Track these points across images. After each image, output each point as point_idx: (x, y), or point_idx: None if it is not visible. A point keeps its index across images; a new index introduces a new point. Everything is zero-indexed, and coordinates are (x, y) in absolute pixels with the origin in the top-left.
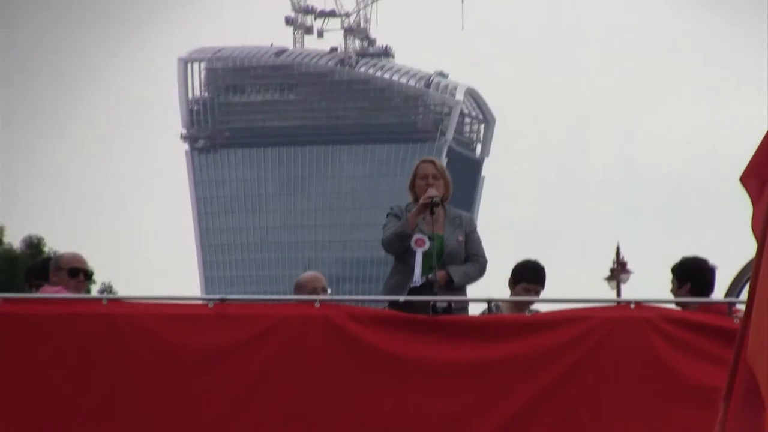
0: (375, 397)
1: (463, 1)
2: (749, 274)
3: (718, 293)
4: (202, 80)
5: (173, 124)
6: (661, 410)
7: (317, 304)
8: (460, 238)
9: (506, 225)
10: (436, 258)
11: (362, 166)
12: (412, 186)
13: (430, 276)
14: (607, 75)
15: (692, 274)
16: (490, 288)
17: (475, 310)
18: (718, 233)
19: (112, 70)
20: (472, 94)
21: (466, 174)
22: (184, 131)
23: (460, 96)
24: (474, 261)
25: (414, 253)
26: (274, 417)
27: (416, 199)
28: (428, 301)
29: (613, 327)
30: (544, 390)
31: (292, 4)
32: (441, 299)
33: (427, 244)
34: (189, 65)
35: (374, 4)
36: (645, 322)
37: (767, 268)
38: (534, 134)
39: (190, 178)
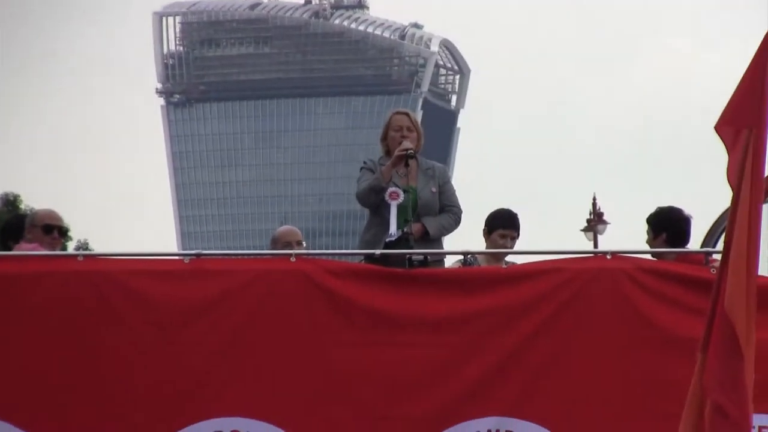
0: (351, 350)
1: None
2: (725, 223)
3: (694, 243)
4: (177, 34)
5: (148, 78)
6: (637, 360)
7: (293, 258)
8: (434, 190)
9: (482, 176)
10: (411, 210)
11: (337, 118)
12: (384, 138)
13: (405, 229)
14: (584, 25)
15: (667, 225)
16: (465, 239)
17: (451, 262)
18: (695, 183)
19: (87, 25)
20: (447, 45)
21: (441, 125)
22: (159, 86)
23: (435, 47)
24: (449, 212)
25: (389, 207)
26: (251, 370)
27: (388, 152)
28: (404, 255)
29: (590, 278)
30: (522, 341)
31: None
32: (417, 252)
33: (402, 197)
34: (164, 19)
35: None
36: (622, 273)
37: (743, 217)
38: (509, 85)
39: (165, 133)
